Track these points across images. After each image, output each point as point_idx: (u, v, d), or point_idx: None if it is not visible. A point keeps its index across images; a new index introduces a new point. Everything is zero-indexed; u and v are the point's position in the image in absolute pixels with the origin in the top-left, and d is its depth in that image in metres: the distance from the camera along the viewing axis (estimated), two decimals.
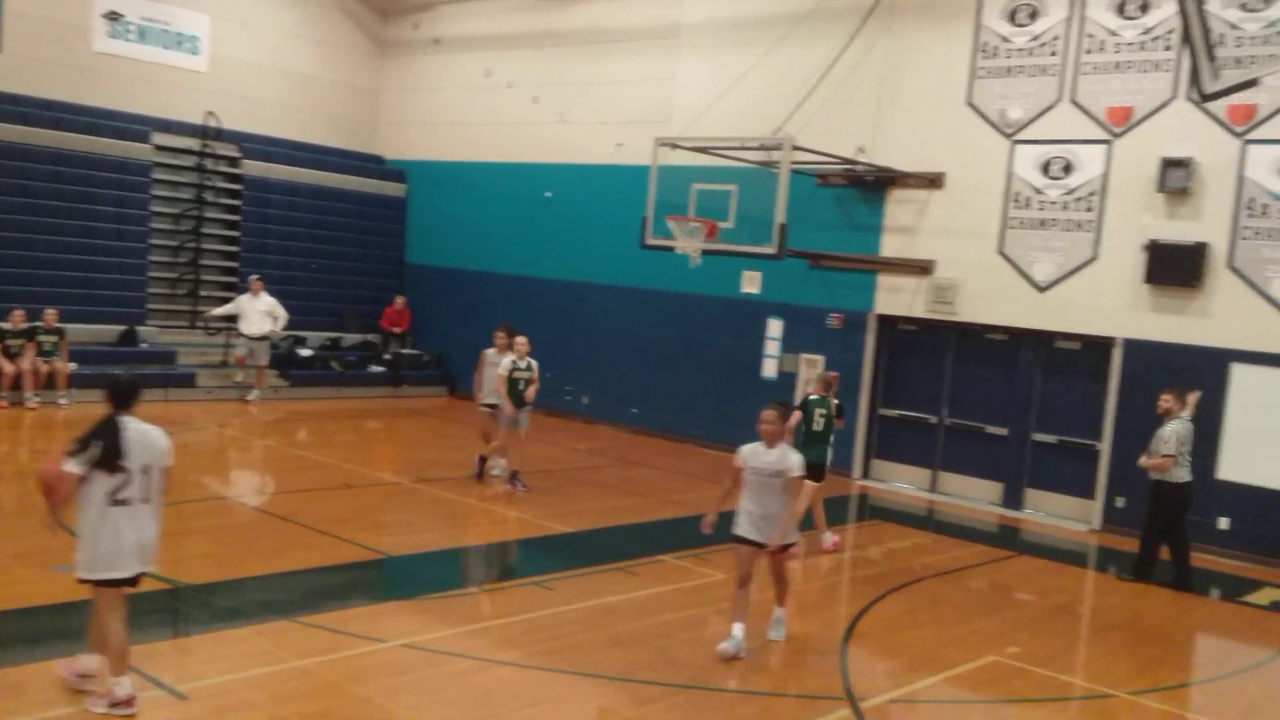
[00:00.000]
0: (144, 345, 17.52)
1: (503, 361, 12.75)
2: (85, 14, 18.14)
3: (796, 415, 10.69)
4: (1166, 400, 10.96)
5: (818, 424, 11.18)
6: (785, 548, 8.09)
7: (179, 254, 18.69)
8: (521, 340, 12.78)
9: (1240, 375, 12.56)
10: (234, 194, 19.49)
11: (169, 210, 18.65)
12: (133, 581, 6.08)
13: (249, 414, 16.93)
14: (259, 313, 17.81)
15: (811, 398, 11.41)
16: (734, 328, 16.73)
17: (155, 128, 18.57)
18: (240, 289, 18.49)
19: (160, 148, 18.54)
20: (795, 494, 7.88)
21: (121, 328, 17.38)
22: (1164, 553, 11.10)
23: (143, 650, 6.59)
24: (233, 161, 19.49)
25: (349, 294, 20.82)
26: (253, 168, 19.63)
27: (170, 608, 7.96)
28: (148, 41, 18.88)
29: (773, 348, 16.40)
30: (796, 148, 13.62)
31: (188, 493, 11.42)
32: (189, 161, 18.93)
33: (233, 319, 17.95)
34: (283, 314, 18.01)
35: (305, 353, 19.35)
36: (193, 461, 13.68)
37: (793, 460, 7.84)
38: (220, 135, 19.10)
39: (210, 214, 19.11)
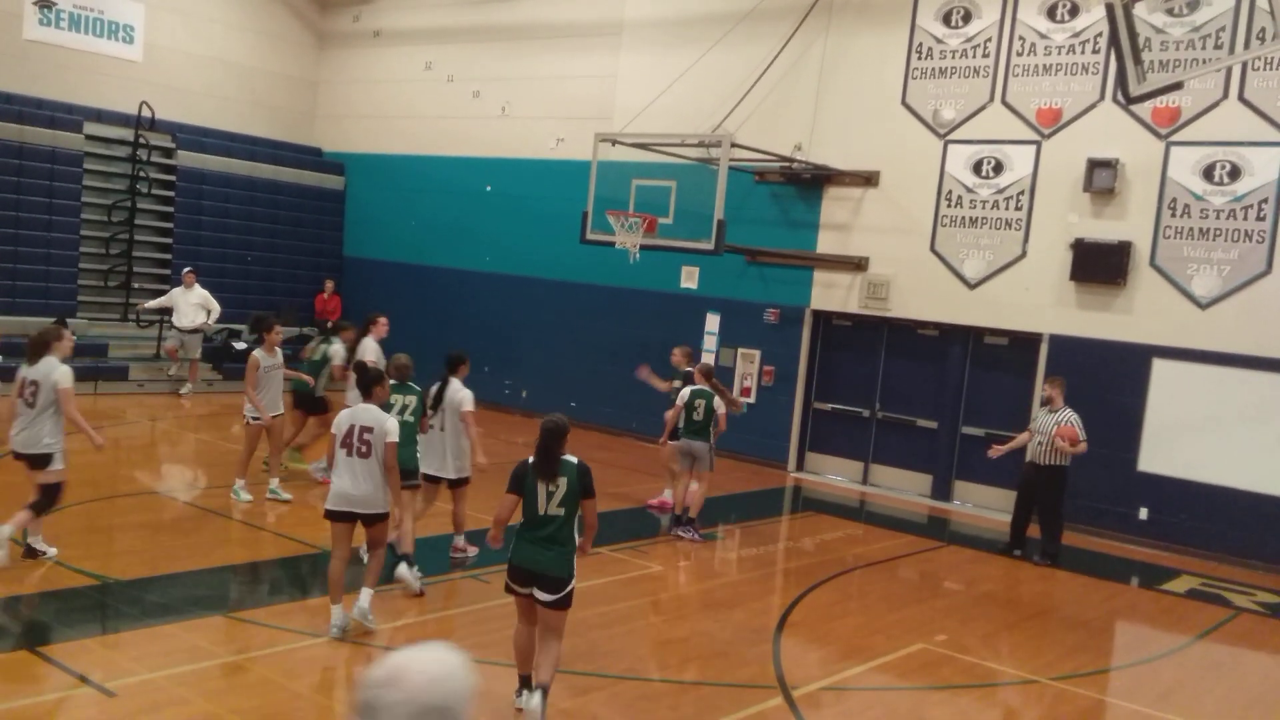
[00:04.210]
0: (74, 338, 17.18)
1: (681, 391, 11.49)
2: (16, 1, 17.74)
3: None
4: (1059, 388, 11.54)
5: (698, 414, 11.31)
6: None
7: (111, 245, 18.37)
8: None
9: (1160, 370, 12.95)
10: (168, 185, 19.20)
11: (101, 201, 18.33)
12: None
13: (181, 408, 16.71)
14: (191, 305, 17.58)
15: (694, 388, 11.42)
16: (672, 322, 16.82)
17: (87, 117, 18.22)
18: (174, 281, 18.23)
19: (92, 137, 18.21)
20: None
21: (51, 320, 17.01)
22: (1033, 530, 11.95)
23: (71, 647, 6.55)
24: (167, 152, 19.20)
25: (286, 287, 20.59)
26: (187, 159, 19.34)
27: (98, 604, 7.88)
28: (80, 30, 18.53)
29: (711, 342, 16.55)
30: (735, 145, 13.77)
31: (118, 487, 11.29)
32: (122, 152, 18.61)
33: (166, 312, 17.70)
34: (215, 307, 17.80)
35: (240, 346, 19.11)
36: (124, 456, 13.51)
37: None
38: (154, 125, 18.80)
39: (144, 205, 18.79)
